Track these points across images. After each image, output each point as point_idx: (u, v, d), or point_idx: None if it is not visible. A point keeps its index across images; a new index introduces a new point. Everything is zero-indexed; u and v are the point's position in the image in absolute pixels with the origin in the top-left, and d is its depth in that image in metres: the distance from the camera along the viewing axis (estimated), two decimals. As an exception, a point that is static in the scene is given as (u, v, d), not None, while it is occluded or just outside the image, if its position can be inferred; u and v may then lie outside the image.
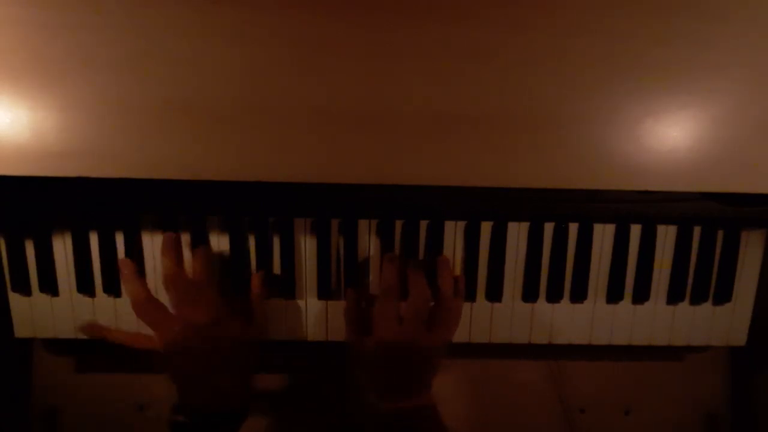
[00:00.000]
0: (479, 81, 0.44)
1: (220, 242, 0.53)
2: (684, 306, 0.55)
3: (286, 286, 0.54)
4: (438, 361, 0.50)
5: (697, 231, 0.54)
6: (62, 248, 0.53)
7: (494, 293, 0.55)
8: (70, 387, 0.59)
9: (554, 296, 0.55)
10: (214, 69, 0.43)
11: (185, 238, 0.53)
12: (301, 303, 0.55)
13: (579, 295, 0.55)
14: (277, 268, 0.54)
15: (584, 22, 0.44)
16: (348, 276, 0.54)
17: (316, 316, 0.55)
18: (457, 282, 0.53)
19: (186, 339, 0.47)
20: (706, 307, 0.55)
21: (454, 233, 0.54)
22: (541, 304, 0.55)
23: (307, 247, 0.54)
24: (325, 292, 0.55)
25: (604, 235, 0.54)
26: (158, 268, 0.53)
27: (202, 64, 0.43)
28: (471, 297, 0.55)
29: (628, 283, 0.55)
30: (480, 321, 0.55)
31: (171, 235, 0.50)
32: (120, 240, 0.53)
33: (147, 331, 0.49)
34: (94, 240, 0.53)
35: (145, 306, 0.48)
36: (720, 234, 0.54)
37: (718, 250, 0.54)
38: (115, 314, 0.54)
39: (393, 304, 0.49)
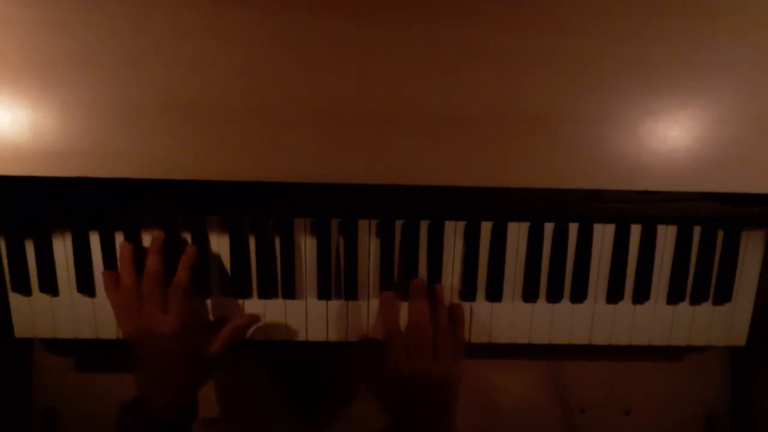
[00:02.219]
0: (479, 81, 0.44)
1: (220, 242, 0.53)
2: (684, 306, 0.55)
3: (286, 286, 0.54)
4: (453, 392, 0.49)
5: (697, 231, 0.54)
6: (62, 248, 0.53)
7: (494, 293, 0.55)
8: (70, 387, 0.59)
9: (554, 296, 0.55)
10: (215, 69, 0.43)
11: (185, 238, 0.53)
12: (301, 303, 0.55)
13: (579, 295, 0.55)
14: (277, 269, 0.54)
15: (584, 22, 0.44)
16: (348, 276, 0.54)
17: (316, 316, 0.55)
18: (454, 310, 0.53)
19: (147, 341, 0.48)
20: (706, 307, 0.55)
21: (454, 233, 0.54)
22: (541, 304, 0.55)
23: (307, 247, 0.54)
24: (325, 292, 0.55)
25: (604, 235, 0.54)
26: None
27: (203, 64, 0.43)
28: (471, 297, 0.55)
29: (628, 283, 0.55)
30: (480, 321, 0.55)
31: (163, 234, 0.50)
32: (120, 240, 0.53)
33: None
34: (94, 240, 0.53)
35: (129, 293, 0.49)
36: (720, 234, 0.54)
37: (718, 250, 0.54)
38: (115, 314, 0.54)
39: (401, 343, 0.49)
